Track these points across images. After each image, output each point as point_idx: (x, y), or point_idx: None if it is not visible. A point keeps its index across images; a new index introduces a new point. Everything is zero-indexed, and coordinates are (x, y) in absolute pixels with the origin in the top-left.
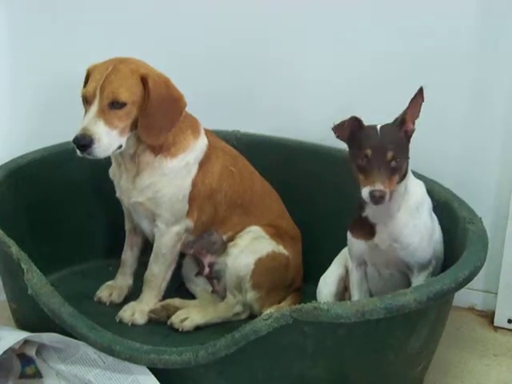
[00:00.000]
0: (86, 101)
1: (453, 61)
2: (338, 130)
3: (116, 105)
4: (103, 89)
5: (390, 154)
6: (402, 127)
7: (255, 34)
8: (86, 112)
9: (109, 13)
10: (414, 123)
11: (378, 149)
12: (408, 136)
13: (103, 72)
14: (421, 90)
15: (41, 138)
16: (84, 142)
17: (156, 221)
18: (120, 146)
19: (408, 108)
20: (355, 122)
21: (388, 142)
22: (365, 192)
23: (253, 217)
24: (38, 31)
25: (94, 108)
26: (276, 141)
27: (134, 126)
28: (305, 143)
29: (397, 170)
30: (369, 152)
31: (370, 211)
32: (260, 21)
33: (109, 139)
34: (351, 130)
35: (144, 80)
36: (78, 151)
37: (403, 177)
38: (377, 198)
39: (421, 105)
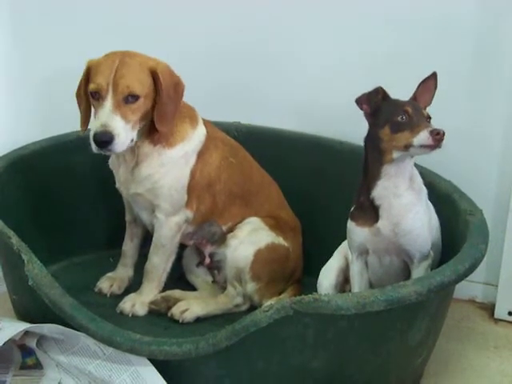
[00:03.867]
0: (97, 96)
1: (452, 51)
2: (364, 100)
3: (131, 99)
4: (116, 83)
5: (427, 112)
6: None
7: (256, 27)
8: (96, 107)
9: (110, 6)
10: (425, 109)
11: (415, 105)
12: None
13: (111, 66)
14: (433, 76)
15: (43, 129)
16: (105, 138)
17: (155, 212)
18: (132, 140)
19: (417, 89)
20: (382, 91)
21: (418, 104)
22: (423, 135)
23: (252, 208)
24: (40, 27)
25: (109, 103)
26: (277, 132)
27: (143, 118)
28: (305, 135)
29: None
30: (409, 108)
31: (379, 190)
32: (261, 13)
33: (126, 134)
34: (377, 100)
35: (153, 72)
36: (96, 147)
37: None
38: (441, 135)
39: (433, 92)
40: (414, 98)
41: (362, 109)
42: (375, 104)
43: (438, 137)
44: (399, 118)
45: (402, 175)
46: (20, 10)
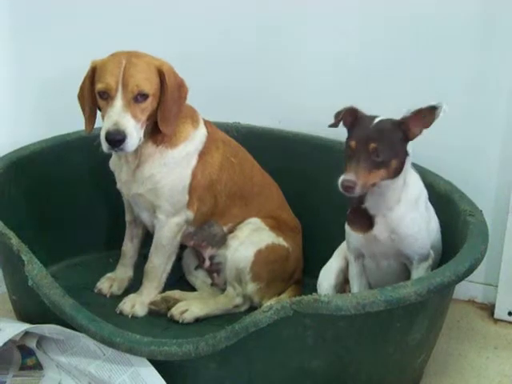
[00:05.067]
0: (106, 95)
1: (454, 53)
2: (336, 118)
3: (140, 98)
4: (126, 82)
5: (371, 146)
6: (401, 128)
7: (255, 28)
8: (104, 107)
9: (110, 7)
10: (420, 131)
11: (362, 140)
12: (407, 138)
13: (118, 65)
14: (433, 108)
15: (44, 130)
16: (119, 137)
17: (156, 212)
18: (140, 140)
19: (414, 115)
20: (351, 112)
21: (375, 135)
22: (339, 181)
23: (253, 208)
24: (40, 27)
25: (119, 102)
26: (276, 133)
27: (149, 117)
28: (305, 135)
29: (382, 165)
30: (353, 143)
31: (370, 202)
32: (260, 14)
33: (137, 133)
34: (350, 119)
35: (160, 72)
36: (108, 146)
37: (398, 173)
38: (345, 187)
39: (432, 119)
40: (408, 119)
41: (331, 125)
42: (349, 124)
43: (342, 188)
44: (346, 149)
45: (388, 192)
46: (20, 10)
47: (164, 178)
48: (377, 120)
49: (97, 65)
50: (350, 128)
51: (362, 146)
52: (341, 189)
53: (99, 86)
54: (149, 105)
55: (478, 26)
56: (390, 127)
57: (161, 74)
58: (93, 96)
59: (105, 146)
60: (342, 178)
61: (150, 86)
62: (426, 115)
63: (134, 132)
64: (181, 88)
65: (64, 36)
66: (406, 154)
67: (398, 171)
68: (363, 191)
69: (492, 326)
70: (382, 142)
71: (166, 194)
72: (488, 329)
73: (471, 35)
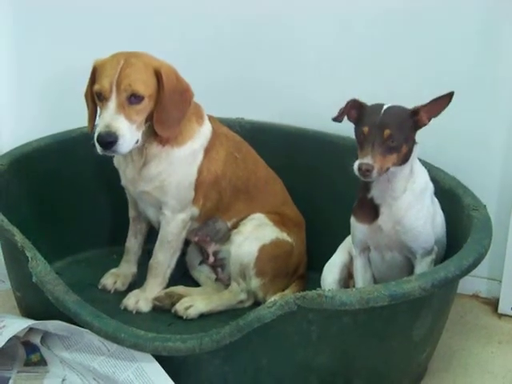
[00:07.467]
0: (102, 97)
1: (455, 49)
2: (339, 115)
3: (134, 99)
4: (120, 83)
5: (386, 132)
6: (413, 117)
7: (259, 23)
8: (101, 108)
9: (111, 5)
10: (429, 119)
11: (375, 125)
12: (417, 126)
13: (115, 66)
14: (449, 95)
15: (47, 126)
16: (110, 139)
17: (162, 209)
18: (137, 141)
19: (428, 104)
20: (355, 104)
21: (388, 121)
22: (355, 165)
23: (257, 203)
24: (43, 23)
25: (113, 104)
26: (279, 128)
27: (146, 119)
28: (308, 130)
29: (394, 150)
30: (366, 128)
31: (376, 191)
32: (263, 9)
33: (131, 134)
34: (355, 112)
35: (158, 73)
36: (100, 149)
37: (406, 160)
38: (363, 171)
39: (444, 107)
40: (421, 107)
41: (334, 119)
42: (355, 116)
43: (360, 172)
44: (358, 136)
45: (395, 180)
46: (22, 8)
47: (171, 176)
48: (385, 107)
49: (97, 65)
50: (357, 120)
51: (376, 132)
52: (357, 173)
53: (95, 88)
54: (145, 106)
55: (482, 15)
56: (401, 113)
57: (158, 76)
58: (93, 96)
59: (98, 148)
60: (358, 162)
61: (144, 87)
62: (439, 104)
63: (128, 134)
64: (184, 92)
65: (66, 33)
66: (414, 141)
67: (406, 157)
68: (379, 176)
69: (496, 321)
70: (395, 127)
71: (173, 191)
72: (492, 323)
73: (475, 23)
